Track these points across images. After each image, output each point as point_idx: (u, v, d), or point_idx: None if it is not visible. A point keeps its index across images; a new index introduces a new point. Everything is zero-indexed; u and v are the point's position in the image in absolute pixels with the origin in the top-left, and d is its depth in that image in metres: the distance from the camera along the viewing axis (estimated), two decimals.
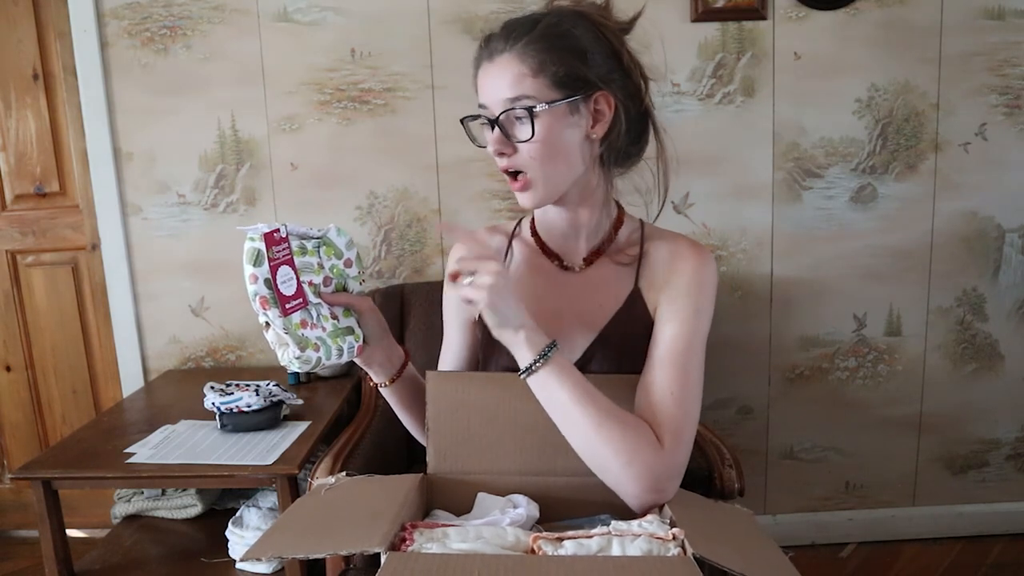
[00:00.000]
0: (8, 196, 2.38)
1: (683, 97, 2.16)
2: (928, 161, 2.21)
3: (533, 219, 1.29)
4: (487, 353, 1.24)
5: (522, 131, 1.09)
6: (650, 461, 1.03)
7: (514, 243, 1.30)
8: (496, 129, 1.09)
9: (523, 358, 1.05)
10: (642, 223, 1.27)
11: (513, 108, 1.08)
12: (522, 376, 1.06)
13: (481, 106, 1.12)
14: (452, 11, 2.12)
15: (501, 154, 1.11)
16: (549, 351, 1.05)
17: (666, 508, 1.03)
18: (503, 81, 1.08)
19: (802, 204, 2.22)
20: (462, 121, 1.17)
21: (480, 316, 1.16)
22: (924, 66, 2.16)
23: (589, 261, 1.23)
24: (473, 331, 1.31)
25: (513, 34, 1.09)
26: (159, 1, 2.13)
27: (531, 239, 1.28)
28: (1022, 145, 2.21)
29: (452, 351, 1.33)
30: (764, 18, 2.13)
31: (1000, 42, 2.15)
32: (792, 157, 2.20)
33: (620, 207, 1.26)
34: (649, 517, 1.01)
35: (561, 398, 1.05)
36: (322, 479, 1.19)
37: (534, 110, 1.08)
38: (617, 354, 1.18)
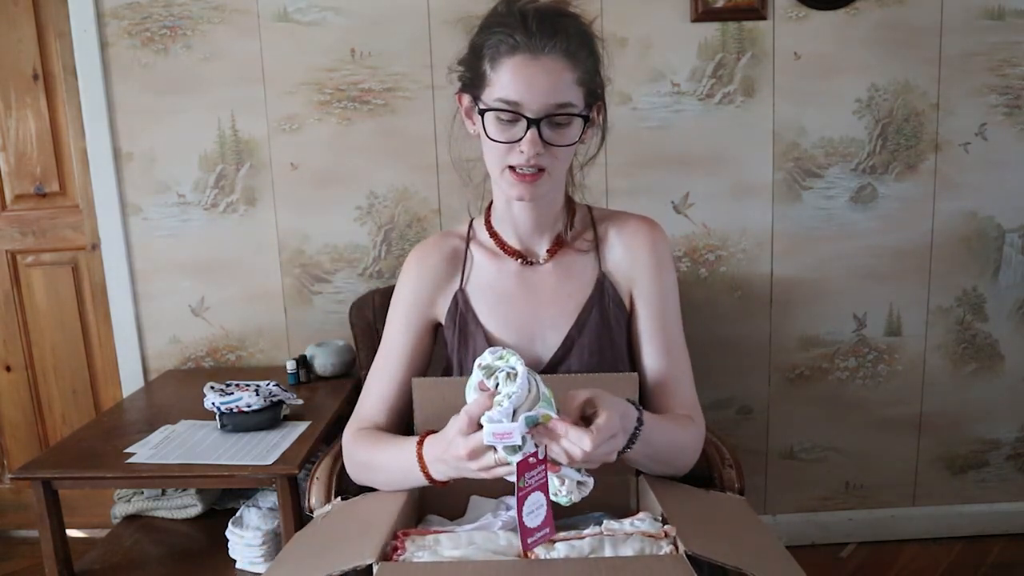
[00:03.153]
0: (8, 196, 2.38)
1: (683, 97, 2.16)
2: (928, 161, 2.21)
3: (487, 219, 1.30)
4: (460, 357, 1.26)
5: (561, 135, 1.10)
6: (700, 442, 1.21)
7: (471, 247, 1.30)
8: (534, 130, 1.08)
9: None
10: (589, 208, 1.32)
11: (559, 114, 1.08)
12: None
13: (511, 102, 1.08)
14: (452, 11, 2.12)
15: (536, 154, 1.09)
16: (639, 423, 1.04)
17: (658, 505, 1.03)
18: (550, 84, 1.07)
19: (802, 204, 2.22)
20: (482, 112, 1.12)
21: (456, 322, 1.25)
22: (924, 66, 2.16)
23: (552, 252, 1.26)
24: (424, 336, 1.30)
25: (557, 33, 1.07)
26: (159, 1, 2.13)
27: (489, 240, 1.29)
28: (1022, 145, 2.20)
29: (398, 354, 1.29)
30: (764, 18, 2.12)
31: (1000, 42, 2.15)
32: (792, 157, 2.20)
33: (571, 198, 1.31)
34: (641, 515, 1.02)
35: (648, 452, 1.08)
36: (318, 506, 1.20)
37: (588, 118, 1.12)
38: (595, 340, 1.22)
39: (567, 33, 1.08)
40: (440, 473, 1.05)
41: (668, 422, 1.14)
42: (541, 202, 1.21)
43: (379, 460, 1.17)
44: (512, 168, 1.12)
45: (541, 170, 1.11)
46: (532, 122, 1.07)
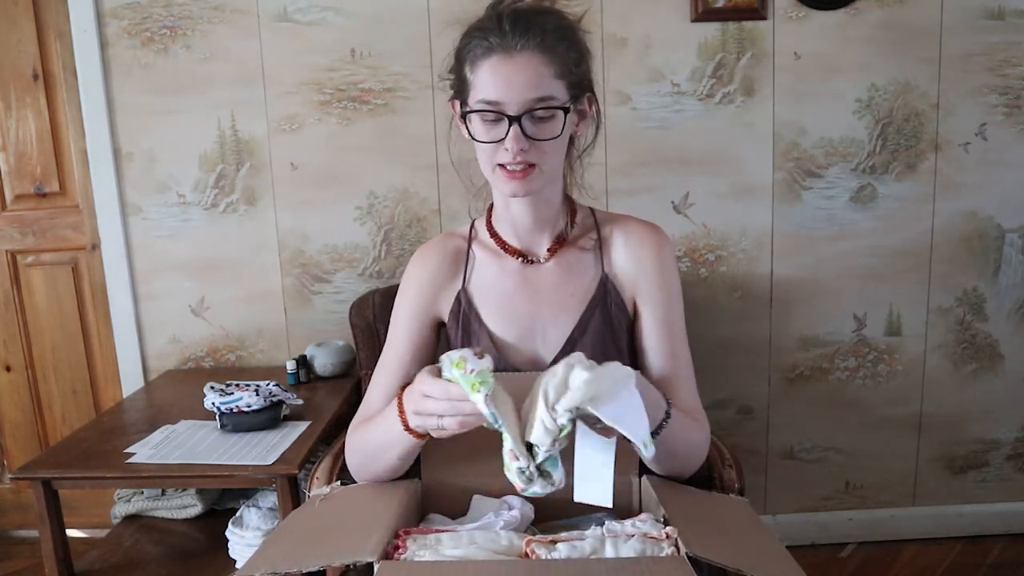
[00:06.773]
0: (8, 196, 2.38)
1: (683, 97, 2.16)
2: (928, 161, 2.21)
3: (488, 219, 1.30)
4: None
5: (544, 129, 1.11)
6: (708, 443, 1.23)
7: (474, 247, 1.31)
8: (516, 126, 1.09)
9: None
10: (592, 210, 1.32)
11: (539, 108, 1.09)
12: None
13: (491, 102, 1.10)
14: (452, 11, 2.10)
15: (521, 150, 1.10)
16: (667, 413, 1.09)
17: (660, 506, 1.03)
18: (527, 80, 1.09)
19: (802, 204, 2.22)
20: (465, 115, 1.15)
21: (459, 319, 1.25)
22: (924, 66, 2.16)
23: (553, 251, 1.26)
24: (428, 333, 1.30)
25: (530, 30, 1.09)
26: (159, 1, 2.13)
27: (490, 240, 1.30)
28: (1022, 145, 2.20)
29: (404, 349, 1.28)
30: (764, 18, 2.12)
31: (1000, 42, 2.15)
32: (792, 157, 2.20)
33: (570, 197, 1.31)
34: (643, 516, 1.02)
35: (668, 447, 1.11)
36: (317, 489, 1.19)
37: (568, 111, 1.12)
38: (598, 340, 1.22)
39: (542, 29, 1.10)
40: (409, 409, 1.07)
41: (685, 418, 1.16)
42: (538, 199, 1.21)
43: (370, 432, 1.18)
44: (502, 166, 1.13)
45: (531, 166, 1.12)
46: (512, 119, 1.09)
